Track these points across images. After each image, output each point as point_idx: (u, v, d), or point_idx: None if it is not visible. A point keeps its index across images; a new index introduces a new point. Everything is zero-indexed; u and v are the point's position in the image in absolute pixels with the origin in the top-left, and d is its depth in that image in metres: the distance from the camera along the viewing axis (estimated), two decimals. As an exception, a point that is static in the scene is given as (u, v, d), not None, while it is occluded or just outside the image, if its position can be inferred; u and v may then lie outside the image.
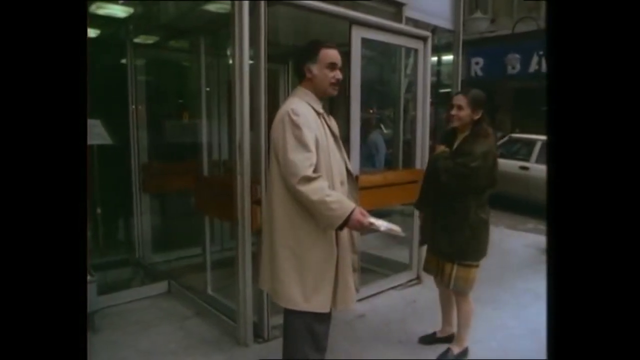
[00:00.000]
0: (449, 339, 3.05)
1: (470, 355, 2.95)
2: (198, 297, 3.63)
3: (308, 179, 1.88)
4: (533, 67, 11.88)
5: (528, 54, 11.83)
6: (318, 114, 2.08)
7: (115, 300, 3.63)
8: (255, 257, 3.00)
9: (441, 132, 3.88)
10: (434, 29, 5.61)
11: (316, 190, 1.88)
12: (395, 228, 2.02)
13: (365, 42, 3.54)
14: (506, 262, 4.95)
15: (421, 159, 4.06)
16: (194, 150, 4.31)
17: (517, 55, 12.13)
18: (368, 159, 6.85)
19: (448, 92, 6.82)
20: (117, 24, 4.44)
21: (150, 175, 4.55)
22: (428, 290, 3.09)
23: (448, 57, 10.07)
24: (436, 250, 2.80)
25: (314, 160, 1.93)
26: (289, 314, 2.10)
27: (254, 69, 2.89)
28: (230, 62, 3.08)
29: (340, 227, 1.94)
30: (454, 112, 2.65)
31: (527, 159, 7.65)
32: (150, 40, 4.76)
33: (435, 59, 11.65)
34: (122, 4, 4.21)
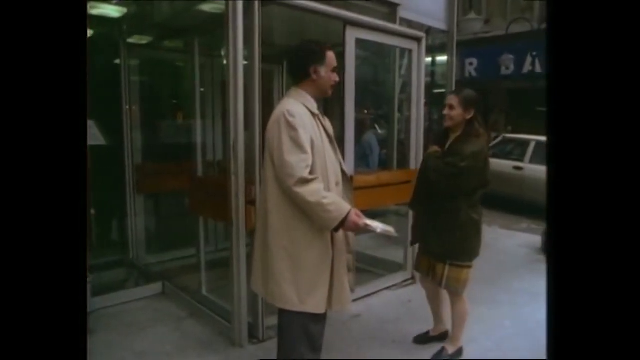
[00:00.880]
0: (442, 336, 3.07)
1: (466, 354, 2.96)
2: (192, 298, 3.62)
3: (305, 181, 1.88)
4: (527, 67, 11.92)
5: (522, 54, 11.88)
6: (313, 114, 2.07)
7: (110, 302, 3.61)
8: (250, 257, 3.00)
9: (434, 132, 3.91)
10: (428, 30, 5.63)
11: (313, 192, 1.88)
12: (390, 229, 2.05)
13: (360, 42, 3.55)
14: (501, 262, 4.97)
15: (415, 159, 4.07)
16: (188, 151, 4.29)
17: (511, 56, 12.18)
18: (362, 159, 6.84)
19: (442, 93, 6.84)
20: (111, 24, 4.42)
21: (145, 176, 4.53)
22: (423, 290, 3.10)
23: (442, 58, 10.10)
24: (427, 250, 2.81)
25: (310, 161, 1.93)
26: (285, 314, 2.10)
27: (248, 70, 2.88)
28: (225, 62, 3.07)
29: (336, 229, 1.95)
30: (446, 111, 2.68)
31: (521, 159, 7.69)
32: (144, 40, 4.74)
33: (429, 59, 11.68)
34: (116, 4, 4.19)
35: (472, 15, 11.91)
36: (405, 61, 4.37)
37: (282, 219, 2.01)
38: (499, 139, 8.98)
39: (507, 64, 12.37)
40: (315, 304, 2.03)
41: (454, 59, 4.91)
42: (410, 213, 3.65)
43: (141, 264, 4.48)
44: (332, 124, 2.25)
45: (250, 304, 3.04)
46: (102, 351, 2.94)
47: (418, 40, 4.01)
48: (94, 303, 3.24)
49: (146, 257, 4.58)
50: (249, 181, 2.90)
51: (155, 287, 3.94)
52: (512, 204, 7.60)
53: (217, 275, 3.71)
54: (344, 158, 2.64)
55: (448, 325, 3.02)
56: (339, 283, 2.08)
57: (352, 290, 2.23)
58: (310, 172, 1.92)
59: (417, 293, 3.90)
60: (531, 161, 7.43)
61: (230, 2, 2.80)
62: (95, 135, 3.75)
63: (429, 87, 10.44)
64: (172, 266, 4.42)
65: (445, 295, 2.94)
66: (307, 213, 1.94)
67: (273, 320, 3.13)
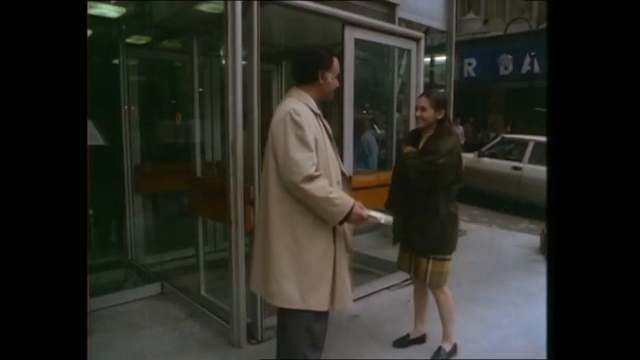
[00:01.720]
0: (421, 339, 3.10)
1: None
2: (191, 299, 3.61)
3: (311, 177, 1.93)
4: (525, 67, 11.95)
5: (520, 54, 11.91)
6: (315, 114, 2.11)
7: (108, 302, 3.60)
8: (249, 258, 3.00)
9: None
10: (427, 30, 5.64)
11: (320, 188, 1.94)
12: (391, 219, 2.31)
13: (358, 42, 3.55)
14: (499, 262, 4.97)
15: (414, 160, 4.06)
16: (186, 151, 4.29)
17: (510, 56, 12.20)
18: (361, 159, 6.84)
19: (443, 93, 6.81)
20: (109, 23, 4.41)
21: (143, 176, 4.52)
22: (421, 291, 3.10)
23: (441, 58, 10.12)
24: (410, 247, 2.87)
25: (315, 159, 1.98)
26: (286, 314, 2.10)
27: (247, 69, 2.88)
28: (223, 62, 3.07)
29: (342, 222, 2.02)
30: (418, 113, 2.77)
31: (519, 160, 7.70)
32: (142, 40, 4.73)
33: (428, 59, 11.70)
34: (114, 4, 4.19)
35: (471, 15, 11.93)
36: (404, 61, 4.37)
37: (284, 217, 2.02)
38: (498, 139, 8.99)
39: (506, 64, 12.39)
40: (317, 302, 2.05)
41: (453, 59, 4.92)
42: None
43: (140, 265, 4.47)
44: (331, 124, 2.26)
45: (249, 305, 3.04)
46: (100, 352, 2.93)
47: (417, 40, 4.01)
48: (91, 304, 3.23)
49: (145, 258, 4.56)
50: (248, 181, 2.90)
51: (154, 287, 3.93)
52: (510, 204, 7.62)
53: (216, 276, 3.71)
54: (342, 158, 2.65)
55: (426, 326, 3.09)
56: (340, 280, 2.10)
57: (352, 290, 2.23)
58: (315, 170, 1.96)
59: (415, 293, 3.91)
60: (530, 161, 7.44)
61: (229, 2, 2.80)
62: (94, 136, 3.74)
63: (428, 87, 10.45)
64: (170, 266, 4.41)
65: (429, 296, 2.99)
66: (313, 208, 1.99)
67: (272, 321, 3.13)
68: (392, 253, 4.59)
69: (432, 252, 2.76)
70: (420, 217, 2.74)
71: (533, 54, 11.29)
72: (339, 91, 3.32)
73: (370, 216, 2.11)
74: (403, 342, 3.09)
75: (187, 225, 4.16)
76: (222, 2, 2.88)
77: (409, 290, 3.21)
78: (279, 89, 5.39)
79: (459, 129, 11.88)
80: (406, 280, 4.16)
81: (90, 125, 3.74)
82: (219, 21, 2.96)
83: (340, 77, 3.27)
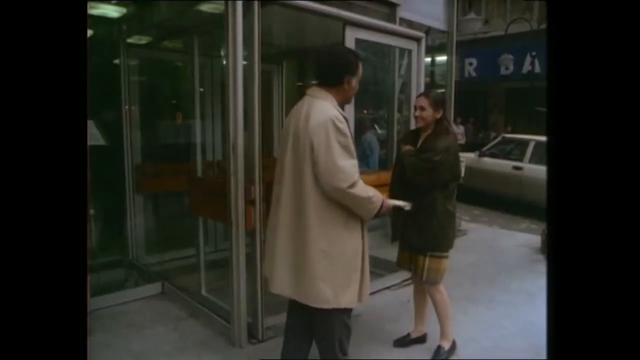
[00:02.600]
0: (422, 339, 3.10)
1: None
2: (192, 298, 3.62)
3: (356, 182, 2.01)
4: (526, 67, 11.95)
5: (521, 54, 11.90)
6: (345, 119, 2.12)
7: (109, 302, 3.60)
8: (249, 257, 3.00)
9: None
10: (428, 30, 5.63)
11: (363, 190, 2.05)
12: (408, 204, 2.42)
13: (359, 42, 3.55)
14: (500, 262, 4.96)
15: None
16: (187, 151, 4.29)
17: (511, 56, 12.19)
18: (362, 159, 6.84)
19: (442, 93, 6.81)
20: (110, 24, 4.41)
21: (144, 176, 4.52)
22: (422, 290, 3.10)
23: (442, 58, 10.11)
24: (408, 245, 2.89)
25: (357, 165, 2.05)
26: (324, 314, 2.12)
27: (247, 70, 2.88)
28: (224, 62, 3.07)
29: (375, 216, 2.15)
30: (417, 113, 2.79)
31: (520, 159, 7.70)
32: (143, 40, 4.74)
33: (429, 59, 11.69)
34: (115, 4, 4.19)
35: (472, 15, 11.91)
36: (405, 61, 4.37)
37: (321, 221, 2.04)
38: (499, 139, 8.99)
39: (507, 64, 12.38)
40: (349, 300, 2.12)
41: (454, 59, 4.91)
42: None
43: (140, 264, 4.48)
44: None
45: (250, 304, 3.04)
46: (100, 352, 2.93)
47: (417, 40, 4.01)
48: (92, 303, 3.24)
49: (145, 257, 4.57)
50: (249, 181, 2.90)
51: (155, 287, 3.93)
52: (511, 204, 7.61)
53: (217, 276, 3.71)
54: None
55: (426, 326, 3.10)
56: (365, 276, 2.19)
57: None
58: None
59: (416, 293, 3.91)
60: (531, 161, 7.43)
61: (230, 2, 2.80)
62: (94, 135, 3.75)
63: (429, 87, 10.44)
64: (171, 266, 4.41)
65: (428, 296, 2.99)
66: (353, 208, 2.07)
67: (272, 321, 3.14)
68: (392, 253, 4.59)
69: (429, 249, 2.79)
70: (418, 214, 2.74)
71: (534, 54, 11.28)
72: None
73: (395, 205, 2.30)
74: (403, 341, 3.10)
75: (188, 225, 4.16)
76: (222, 2, 2.88)
77: (409, 290, 3.21)
78: (279, 89, 5.40)
79: (460, 129, 11.88)
80: (406, 280, 4.15)
81: (91, 125, 3.74)
82: (219, 21, 2.96)
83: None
